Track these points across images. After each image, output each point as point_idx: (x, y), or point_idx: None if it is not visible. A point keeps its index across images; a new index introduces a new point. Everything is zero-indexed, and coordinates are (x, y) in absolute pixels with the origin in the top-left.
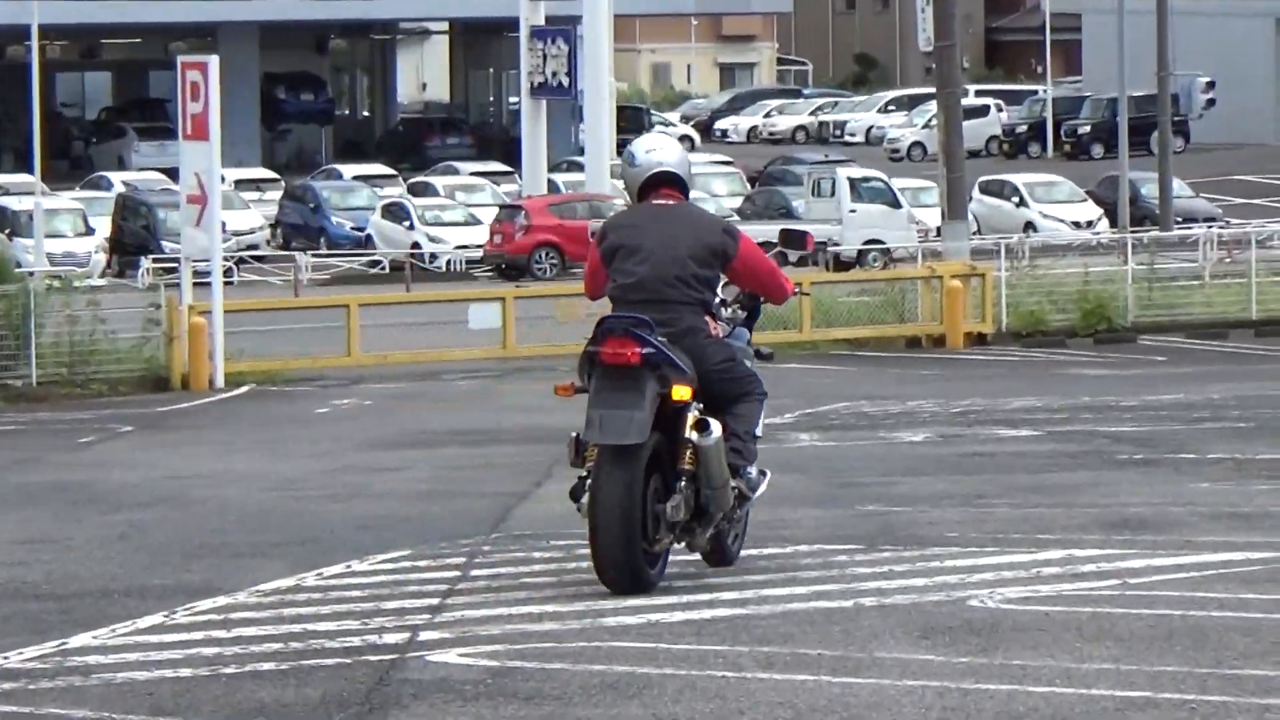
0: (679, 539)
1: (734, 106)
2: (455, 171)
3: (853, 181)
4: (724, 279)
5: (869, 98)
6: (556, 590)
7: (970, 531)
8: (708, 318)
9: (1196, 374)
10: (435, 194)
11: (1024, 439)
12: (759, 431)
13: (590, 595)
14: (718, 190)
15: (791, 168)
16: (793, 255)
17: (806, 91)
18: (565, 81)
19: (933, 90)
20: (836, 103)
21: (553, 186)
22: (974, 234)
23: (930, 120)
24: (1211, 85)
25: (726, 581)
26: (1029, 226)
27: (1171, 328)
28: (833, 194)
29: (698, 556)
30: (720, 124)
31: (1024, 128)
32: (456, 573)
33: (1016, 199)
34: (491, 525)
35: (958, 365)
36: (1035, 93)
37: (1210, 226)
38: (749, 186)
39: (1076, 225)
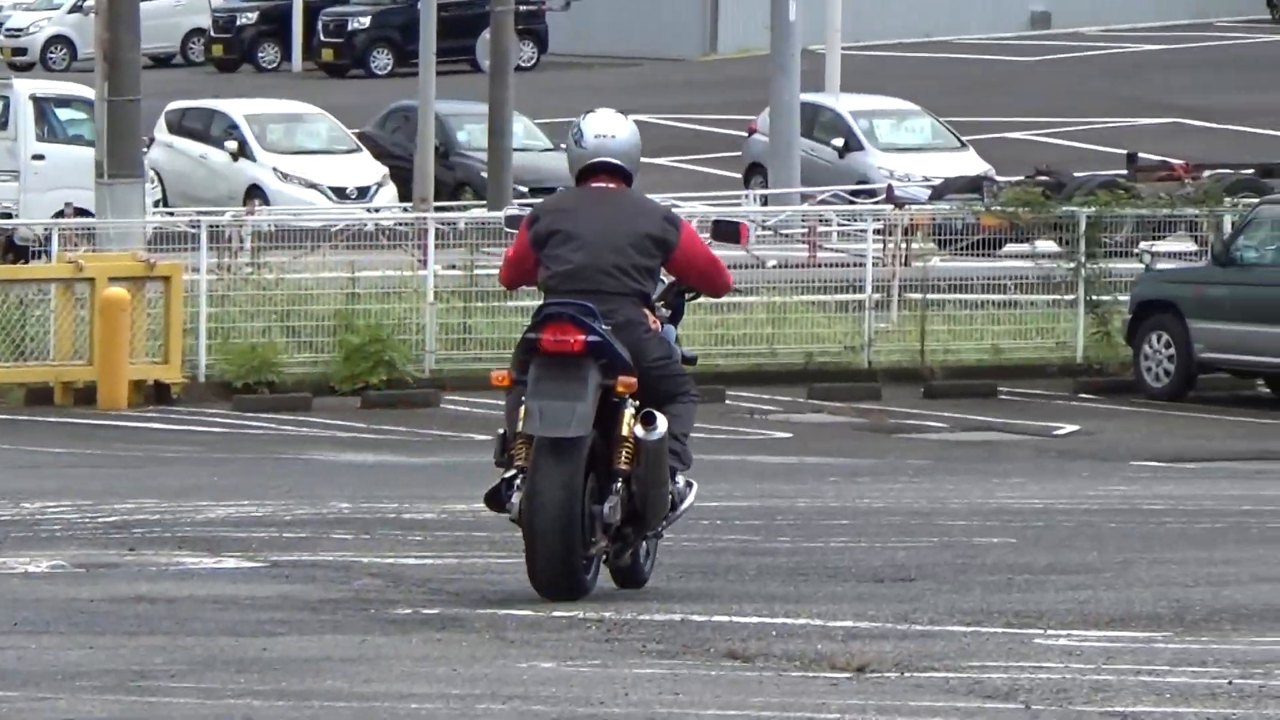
0: (609, 547)
1: None
2: None
3: (41, 104)
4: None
5: None
6: None
7: None
8: (646, 310)
9: None
10: None
11: (229, 575)
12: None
13: None
14: None
15: None
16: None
17: None
18: None
19: None
20: None
21: None
22: (157, 203)
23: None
24: None
25: None
26: (252, 194)
27: None
28: (6, 125)
29: None
30: None
31: (251, 18)
32: None
33: (235, 144)
34: None
35: (115, 439)
36: None
37: None
38: None
39: (341, 195)
